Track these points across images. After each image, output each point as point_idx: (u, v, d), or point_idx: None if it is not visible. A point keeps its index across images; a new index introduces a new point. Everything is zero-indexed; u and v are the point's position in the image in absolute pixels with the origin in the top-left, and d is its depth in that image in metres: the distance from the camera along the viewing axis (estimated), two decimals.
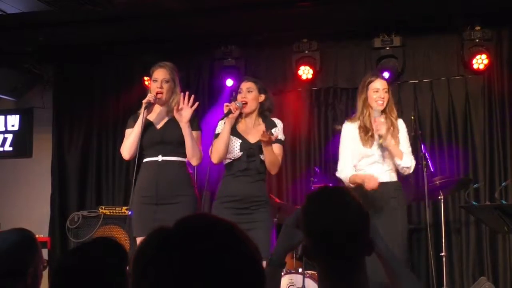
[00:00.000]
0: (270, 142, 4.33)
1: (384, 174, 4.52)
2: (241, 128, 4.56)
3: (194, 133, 4.46)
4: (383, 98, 4.54)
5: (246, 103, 4.52)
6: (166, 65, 4.55)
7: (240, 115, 4.54)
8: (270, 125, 4.50)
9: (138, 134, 4.41)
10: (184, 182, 4.41)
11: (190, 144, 4.38)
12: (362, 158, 4.56)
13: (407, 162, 4.55)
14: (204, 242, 1.28)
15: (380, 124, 4.43)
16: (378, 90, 4.55)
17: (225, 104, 4.58)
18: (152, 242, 1.33)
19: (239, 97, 4.57)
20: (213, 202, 4.58)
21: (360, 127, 4.58)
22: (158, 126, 4.50)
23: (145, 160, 4.49)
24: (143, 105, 4.43)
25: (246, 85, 4.57)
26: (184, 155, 4.45)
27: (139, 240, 4.44)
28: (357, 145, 4.58)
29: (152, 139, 4.45)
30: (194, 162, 4.48)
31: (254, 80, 4.66)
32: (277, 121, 4.60)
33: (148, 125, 4.50)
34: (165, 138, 4.41)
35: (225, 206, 4.41)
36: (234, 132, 4.50)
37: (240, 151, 4.44)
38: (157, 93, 4.45)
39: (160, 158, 4.41)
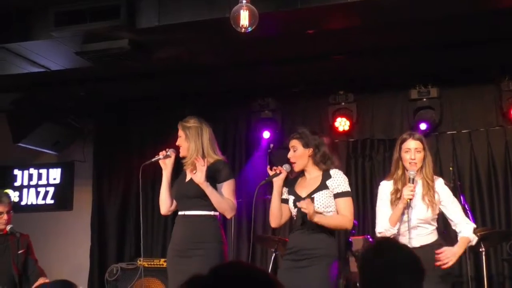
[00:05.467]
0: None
1: (423, 238, 4.26)
2: (301, 184, 4.41)
3: (225, 184, 4.47)
4: (414, 159, 4.32)
5: (294, 163, 4.38)
6: (180, 124, 4.65)
7: (301, 173, 4.43)
8: (326, 178, 4.31)
9: (164, 189, 4.62)
10: (205, 236, 4.38)
11: (215, 201, 4.39)
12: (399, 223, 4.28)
13: (469, 230, 4.25)
14: None
15: (407, 189, 4.21)
16: (409, 150, 4.35)
17: (268, 168, 4.50)
18: None
19: (289, 155, 4.46)
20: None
21: (393, 189, 4.38)
22: (187, 179, 4.57)
23: (178, 213, 4.59)
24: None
25: (290, 144, 4.43)
26: (209, 208, 4.43)
27: None
28: (389, 208, 4.37)
29: (178, 193, 4.56)
30: (227, 215, 4.49)
31: (298, 136, 4.42)
32: (334, 172, 4.34)
33: (181, 178, 4.63)
34: (186, 192, 4.48)
35: (284, 258, 4.40)
36: (291, 191, 4.40)
37: (294, 208, 4.34)
38: (166, 150, 4.62)
39: (183, 212, 4.50)
